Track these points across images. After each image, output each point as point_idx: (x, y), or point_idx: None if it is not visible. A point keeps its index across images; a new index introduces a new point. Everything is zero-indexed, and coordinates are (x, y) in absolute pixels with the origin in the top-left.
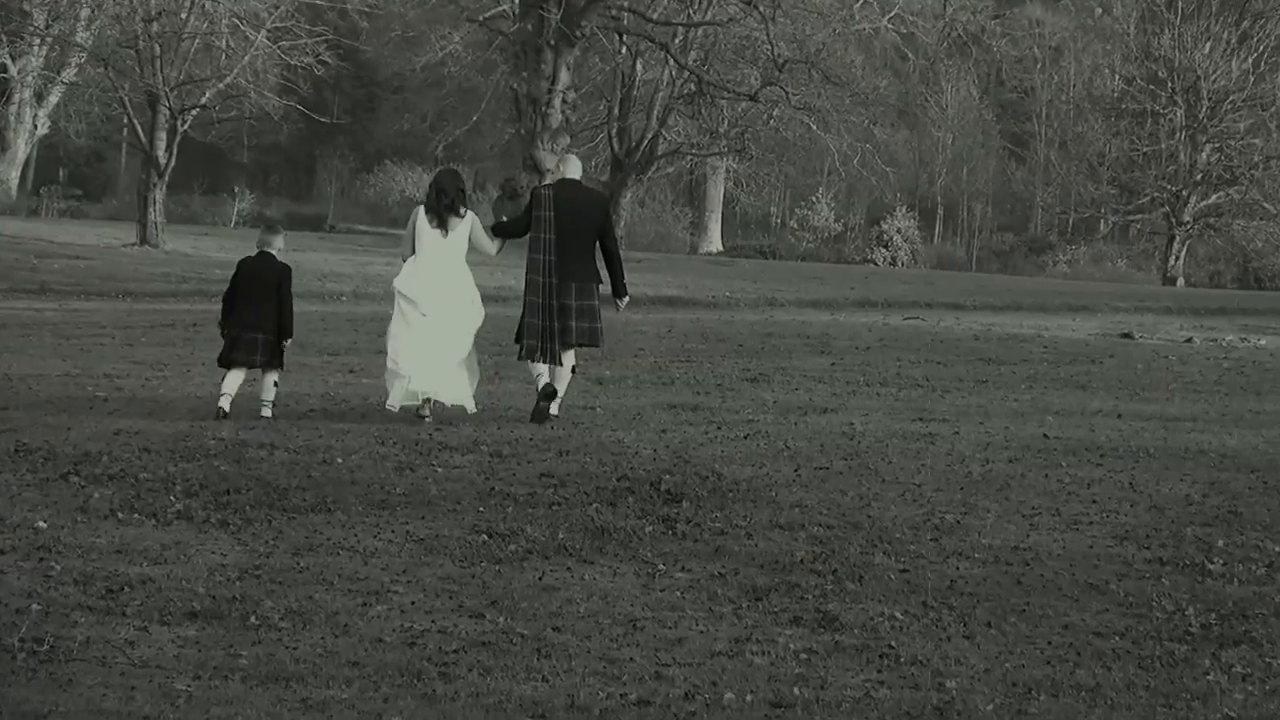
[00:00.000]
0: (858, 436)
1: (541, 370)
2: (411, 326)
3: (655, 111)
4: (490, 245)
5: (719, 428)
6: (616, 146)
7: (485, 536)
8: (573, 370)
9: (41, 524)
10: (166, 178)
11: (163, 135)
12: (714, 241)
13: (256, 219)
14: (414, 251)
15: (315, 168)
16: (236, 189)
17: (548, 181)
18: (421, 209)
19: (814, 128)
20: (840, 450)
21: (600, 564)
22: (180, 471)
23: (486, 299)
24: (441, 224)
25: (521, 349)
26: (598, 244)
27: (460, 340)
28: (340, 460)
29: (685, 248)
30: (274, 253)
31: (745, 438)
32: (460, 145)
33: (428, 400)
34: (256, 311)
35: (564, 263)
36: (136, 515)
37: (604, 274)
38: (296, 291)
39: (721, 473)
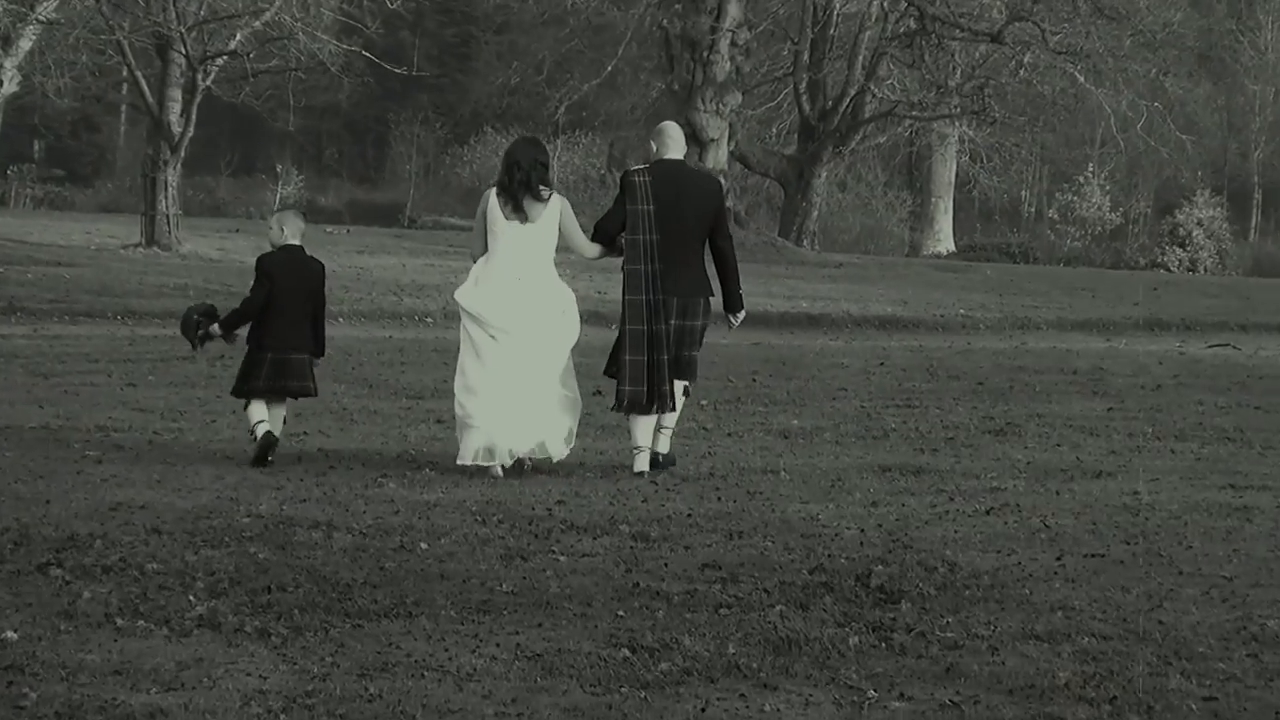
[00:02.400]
0: (1144, 511)
1: (643, 433)
2: (483, 358)
3: (860, 58)
4: (587, 243)
5: (951, 499)
6: (806, 107)
7: (626, 651)
8: (686, 392)
9: (11, 634)
10: (182, 153)
11: (177, 94)
12: (943, 239)
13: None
14: (485, 249)
15: (388, 138)
16: (279, 168)
17: (638, 164)
18: (492, 192)
19: (1081, 79)
20: (1120, 530)
21: (787, 689)
22: (203, 561)
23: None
24: (517, 209)
25: (618, 397)
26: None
27: (549, 366)
28: (425, 546)
29: (903, 248)
30: (301, 245)
31: (987, 513)
32: (589, 106)
33: (512, 456)
34: (298, 325)
35: (669, 271)
36: (142, 622)
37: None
38: (363, 310)
39: (955, 562)
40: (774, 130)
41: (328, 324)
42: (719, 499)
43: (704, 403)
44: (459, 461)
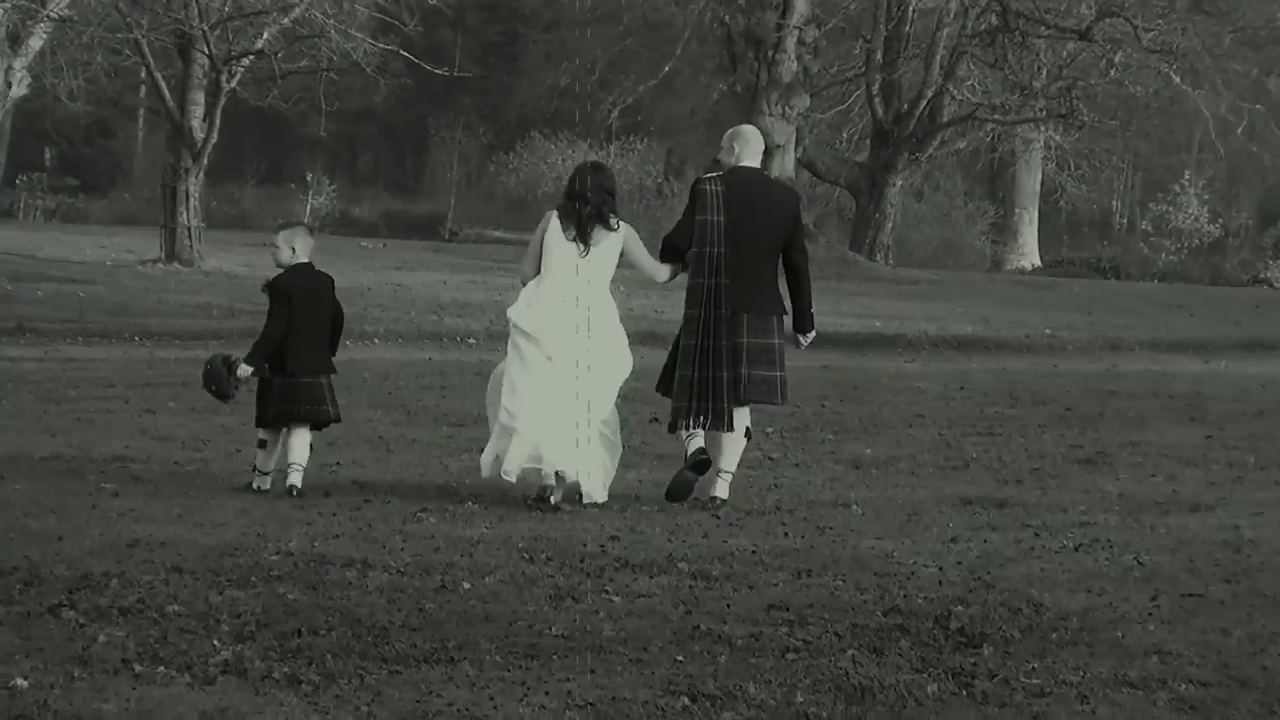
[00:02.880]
0: (1246, 547)
1: (696, 437)
2: (534, 373)
3: (938, 57)
4: (657, 266)
5: (1036, 535)
6: (880, 111)
7: (686, 700)
8: (747, 434)
9: (20, 682)
10: (205, 161)
11: (199, 97)
12: (1027, 253)
13: (341, 221)
14: (539, 271)
15: (427, 145)
16: (309, 177)
17: (711, 171)
18: (555, 214)
19: (1176, 80)
20: (1220, 568)
21: None
22: (227, 602)
23: (636, 337)
24: (581, 237)
25: (672, 414)
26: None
27: (597, 401)
28: (467, 585)
29: (984, 262)
30: (312, 262)
31: (1076, 550)
32: (645, 110)
33: (560, 480)
34: (314, 346)
35: (737, 287)
36: (162, 668)
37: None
38: (401, 330)
39: (1041, 602)
40: (844, 135)
41: (363, 345)
42: (786, 534)
43: (769, 430)
44: (504, 472)
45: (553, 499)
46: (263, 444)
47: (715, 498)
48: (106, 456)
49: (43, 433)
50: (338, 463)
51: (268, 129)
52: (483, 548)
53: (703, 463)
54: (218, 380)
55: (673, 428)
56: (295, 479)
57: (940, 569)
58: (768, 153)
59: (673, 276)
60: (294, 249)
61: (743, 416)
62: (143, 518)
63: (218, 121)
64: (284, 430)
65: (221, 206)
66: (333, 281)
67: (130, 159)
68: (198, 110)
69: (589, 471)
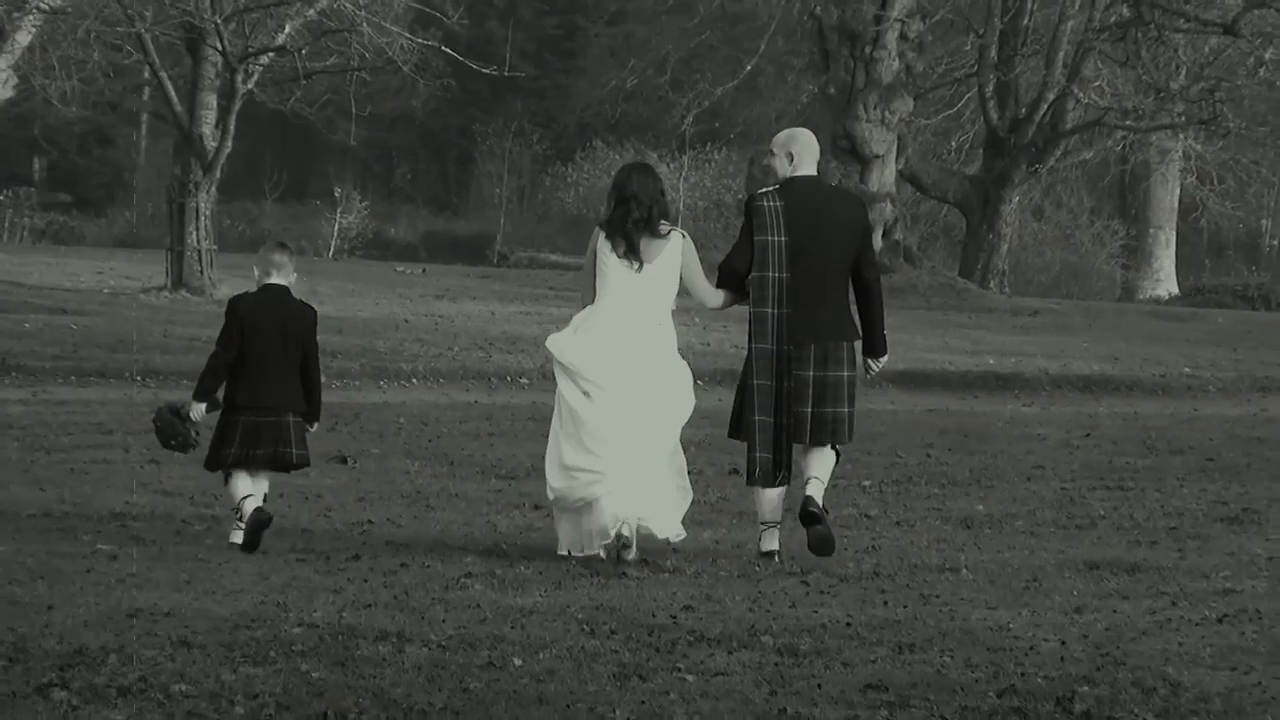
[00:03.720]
0: None
1: (771, 507)
2: (577, 420)
3: (1061, 55)
4: (710, 290)
5: (1174, 603)
6: (994, 115)
7: None
8: (835, 450)
9: None
10: (218, 173)
11: (211, 100)
12: (1163, 280)
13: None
14: (594, 295)
15: (473, 155)
16: (338, 192)
17: (767, 186)
18: (600, 232)
19: None
20: None
21: None
22: (243, 681)
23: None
24: (631, 250)
25: (749, 466)
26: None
27: (654, 436)
28: (518, 662)
29: (1114, 290)
30: (289, 285)
31: (1219, 621)
32: (724, 115)
33: (623, 535)
34: (278, 380)
35: (803, 313)
36: None
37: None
38: (442, 368)
39: (1179, 681)
40: (953, 144)
41: (399, 385)
42: (885, 604)
43: (866, 484)
44: (561, 550)
45: (623, 546)
46: (226, 478)
47: (810, 499)
48: (104, 514)
49: (30, 486)
50: (369, 521)
51: (290, 137)
52: (536, 619)
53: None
54: (173, 432)
55: (750, 480)
56: (236, 536)
57: (1063, 643)
58: (865, 162)
59: (727, 304)
60: (266, 270)
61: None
62: (145, 584)
63: (232, 128)
64: (262, 474)
65: (236, 226)
66: (312, 315)
67: (132, 171)
68: (209, 115)
69: (654, 512)
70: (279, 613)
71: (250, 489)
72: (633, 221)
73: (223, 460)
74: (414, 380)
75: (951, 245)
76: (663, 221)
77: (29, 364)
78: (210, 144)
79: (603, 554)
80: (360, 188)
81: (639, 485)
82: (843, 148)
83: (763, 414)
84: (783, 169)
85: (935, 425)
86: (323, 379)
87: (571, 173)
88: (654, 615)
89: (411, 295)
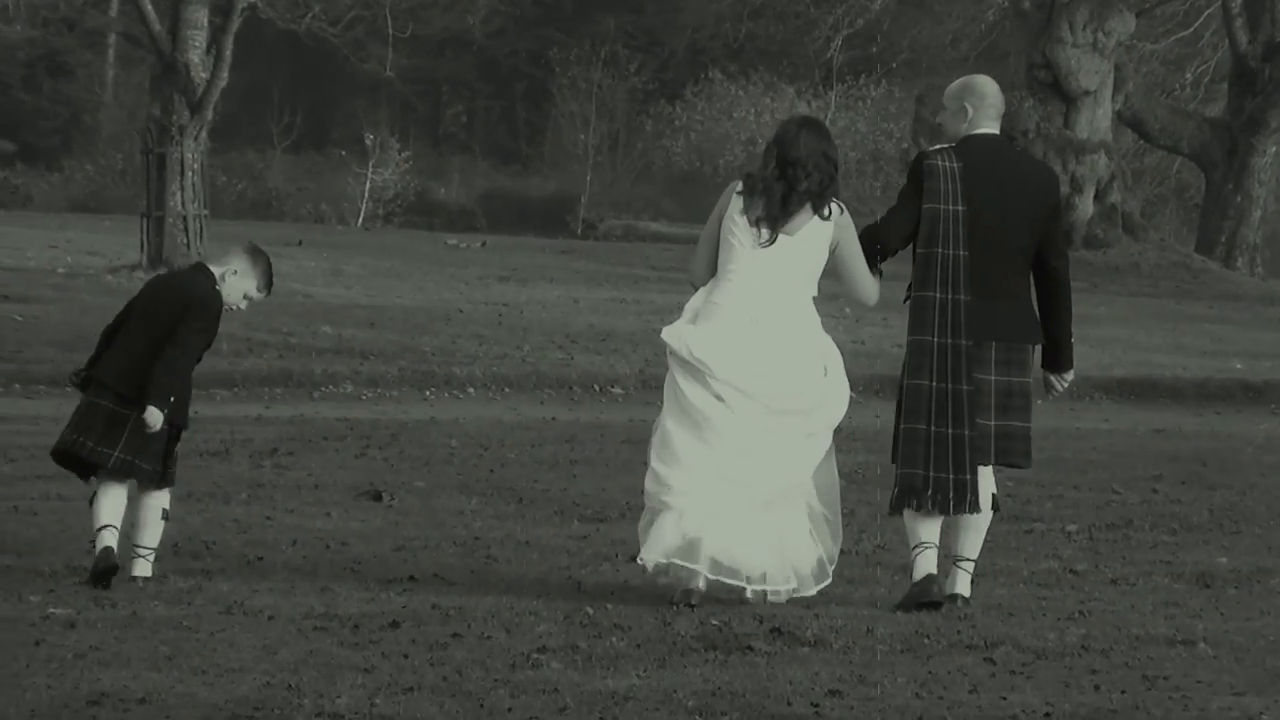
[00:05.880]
0: None
1: (927, 535)
2: (700, 425)
3: None
4: (871, 282)
5: None
6: (1243, 39)
7: None
8: (995, 506)
9: None
10: (209, 114)
11: (201, 17)
12: None
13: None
14: (712, 272)
15: (550, 91)
16: (370, 139)
17: (939, 144)
18: (736, 192)
19: None
20: None
21: None
22: None
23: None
24: (772, 221)
25: (895, 492)
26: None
27: (796, 455)
28: None
29: None
30: (218, 273)
31: None
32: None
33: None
34: (130, 360)
35: (982, 304)
36: None
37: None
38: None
39: None
40: (1188, 77)
41: (450, 396)
42: (1096, 687)
43: (1072, 529)
44: (641, 559)
45: (699, 584)
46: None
47: (956, 595)
48: (57, 567)
49: None
50: (411, 577)
51: (305, 67)
52: (632, 708)
53: (934, 603)
54: None
55: (896, 506)
56: (140, 568)
57: None
58: (1071, 100)
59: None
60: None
61: (988, 481)
62: (111, 660)
63: (228, 55)
64: (109, 476)
65: (234, 184)
66: (199, 301)
67: (94, 112)
68: (198, 37)
69: (782, 563)
70: (290, 698)
71: (109, 517)
72: (799, 193)
73: (63, 451)
74: (470, 390)
75: (1185, 211)
76: (829, 200)
77: None
78: (200, 75)
79: (700, 584)
80: (399, 134)
81: (760, 525)
82: (1041, 81)
83: (916, 421)
84: (955, 126)
85: (1164, 451)
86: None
87: (680, 114)
88: (789, 703)
89: (467, 277)
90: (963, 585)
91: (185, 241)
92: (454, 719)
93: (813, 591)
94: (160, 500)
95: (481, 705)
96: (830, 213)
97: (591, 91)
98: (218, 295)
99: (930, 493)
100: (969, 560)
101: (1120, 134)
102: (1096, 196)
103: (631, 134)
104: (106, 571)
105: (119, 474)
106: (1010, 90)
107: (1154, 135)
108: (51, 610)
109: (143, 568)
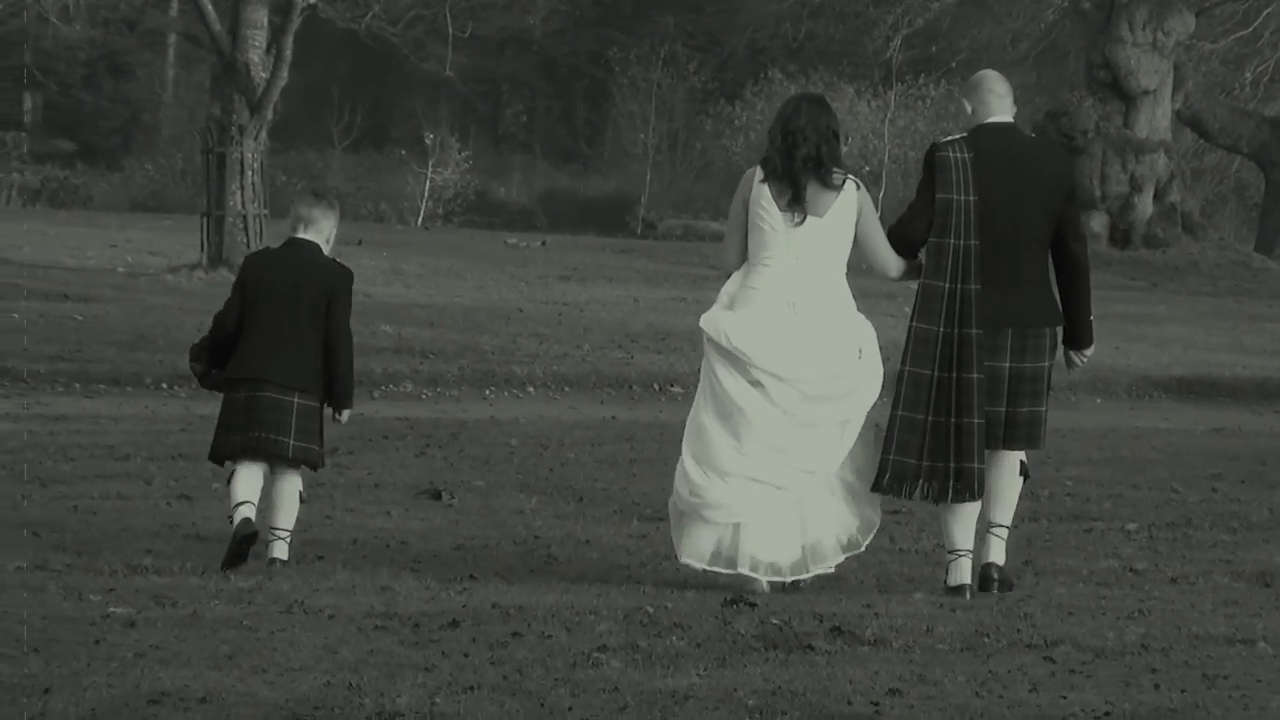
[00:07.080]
0: None
1: (962, 531)
2: (736, 416)
3: None
4: (891, 256)
5: None
6: None
7: None
8: (1024, 474)
9: None
10: (270, 114)
11: (261, 16)
12: None
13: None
14: (743, 258)
15: (609, 90)
16: (429, 139)
17: (953, 135)
18: (757, 174)
19: None
20: None
21: None
22: None
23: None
24: (797, 201)
25: (880, 473)
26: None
27: (834, 441)
28: None
29: None
30: (320, 243)
31: None
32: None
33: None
34: (284, 350)
35: (997, 292)
36: None
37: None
38: (567, 373)
39: None
40: (1248, 76)
41: (510, 395)
42: (1156, 686)
43: (1131, 527)
44: (682, 562)
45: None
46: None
47: (990, 564)
48: (118, 566)
49: (20, 530)
50: (471, 576)
51: (365, 67)
52: (693, 706)
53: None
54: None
55: (877, 486)
56: (278, 551)
57: None
58: (1130, 99)
59: (906, 275)
60: (294, 224)
61: (1009, 462)
62: (172, 659)
63: (288, 54)
64: (258, 463)
65: (294, 183)
66: (346, 275)
67: (155, 112)
68: (258, 37)
69: (823, 538)
70: (351, 698)
71: (247, 494)
72: (800, 161)
73: (219, 450)
74: (530, 389)
75: (1245, 210)
76: (835, 169)
77: (18, 367)
78: (260, 75)
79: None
80: (459, 133)
81: (799, 515)
82: (1101, 80)
83: (910, 409)
84: (968, 114)
85: (1223, 451)
86: (354, 364)
87: (740, 114)
88: (849, 702)
89: (527, 276)
90: (997, 553)
91: (245, 241)
92: (514, 718)
93: (840, 559)
94: (296, 483)
95: (542, 704)
96: (841, 180)
97: (651, 91)
98: (346, 267)
99: (922, 482)
100: (1003, 527)
101: (1180, 133)
102: (1156, 196)
103: (691, 133)
104: (248, 538)
105: (295, 461)
106: (1070, 90)
107: (1213, 134)
108: (112, 609)
109: (280, 550)
